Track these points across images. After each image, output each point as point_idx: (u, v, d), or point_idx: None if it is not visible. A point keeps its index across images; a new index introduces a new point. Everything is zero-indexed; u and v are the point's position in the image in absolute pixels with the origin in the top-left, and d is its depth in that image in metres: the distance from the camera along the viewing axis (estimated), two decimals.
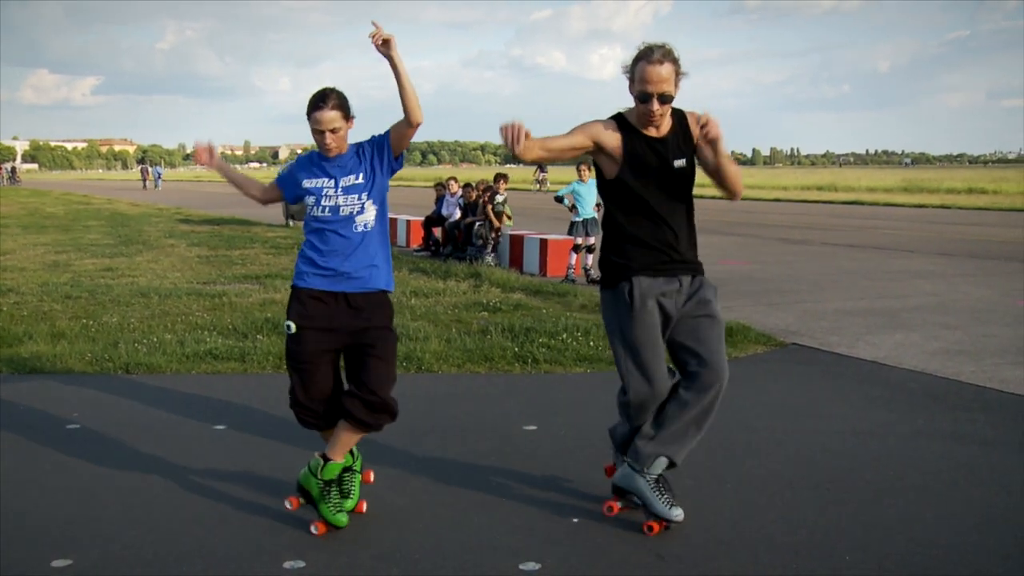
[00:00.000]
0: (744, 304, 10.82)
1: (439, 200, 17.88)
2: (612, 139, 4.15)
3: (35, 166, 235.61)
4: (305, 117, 4.20)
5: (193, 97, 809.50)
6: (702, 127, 3.99)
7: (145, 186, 67.55)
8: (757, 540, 4.14)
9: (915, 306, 10.81)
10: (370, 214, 4.27)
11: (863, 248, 18.53)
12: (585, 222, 13.26)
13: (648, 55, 4.02)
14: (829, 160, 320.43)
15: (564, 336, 8.31)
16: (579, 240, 13.34)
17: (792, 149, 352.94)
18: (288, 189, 4.45)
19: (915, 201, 38.99)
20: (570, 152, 4.21)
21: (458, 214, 16.65)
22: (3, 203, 39.65)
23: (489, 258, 15.29)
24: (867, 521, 4.34)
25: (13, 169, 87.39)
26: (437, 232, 17.51)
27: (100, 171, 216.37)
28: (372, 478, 4.65)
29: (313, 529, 4.21)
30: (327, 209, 4.24)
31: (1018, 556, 4.00)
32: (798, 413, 6.26)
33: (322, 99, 4.15)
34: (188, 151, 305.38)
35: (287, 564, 3.87)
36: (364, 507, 4.44)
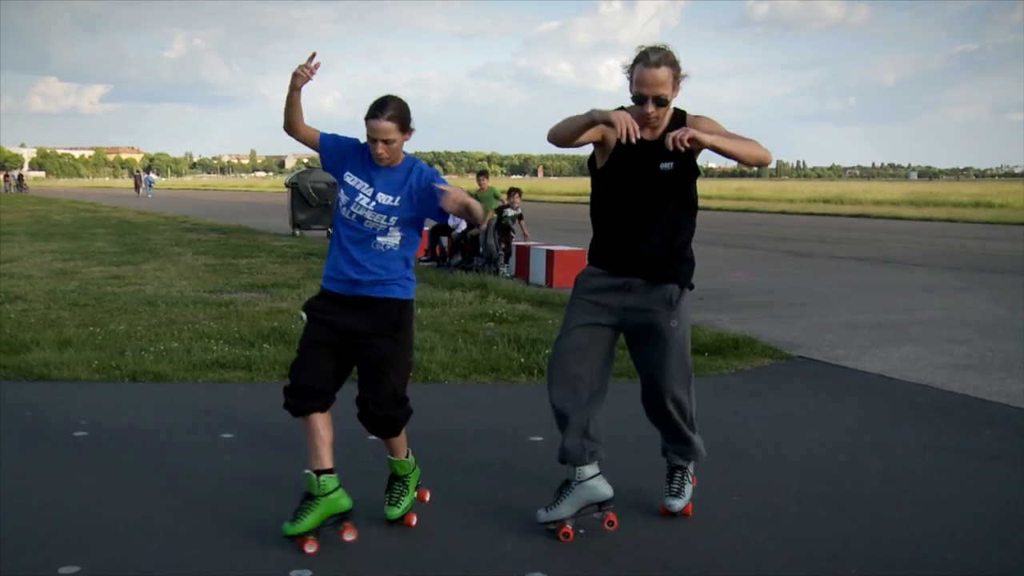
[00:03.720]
0: (750, 317, 10.81)
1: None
2: (611, 135, 4.19)
3: (42, 174, 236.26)
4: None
5: (200, 105, 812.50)
6: (674, 148, 3.91)
7: (139, 193, 71.07)
8: (762, 552, 4.13)
9: (922, 320, 10.80)
10: (393, 238, 4.19)
11: (870, 261, 18.51)
12: None
13: (645, 58, 4.06)
14: (835, 173, 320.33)
15: None
16: None
17: (798, 162, 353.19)
18: (330, 158, 4.30)
19: (922, 215, 38.98)
20: (585, 141, 4.24)
21: (464, 225, 16.66)
22: (10, 210, 39.76)
23: (504, 269, 15.28)
24: (873, 534, 4.33)
25: (20, 177, 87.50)
26: (445, 242, 17.51)
27: (107, 179, 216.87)
28: (427, 498, 4.66)
29: (348, 536, 4.22)
30: (354, 216, 4.19)
31: None
32: (804, 426, 6.25)
33: (380, 108, 4.07)
34: (195, 159, 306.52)
35: (293, 573, 3.87)
36: (414, 520, 4.42)
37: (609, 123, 3.99)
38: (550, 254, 14.49)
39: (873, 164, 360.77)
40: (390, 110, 4.08)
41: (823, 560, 4.05)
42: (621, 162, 4.22)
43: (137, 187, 73.88)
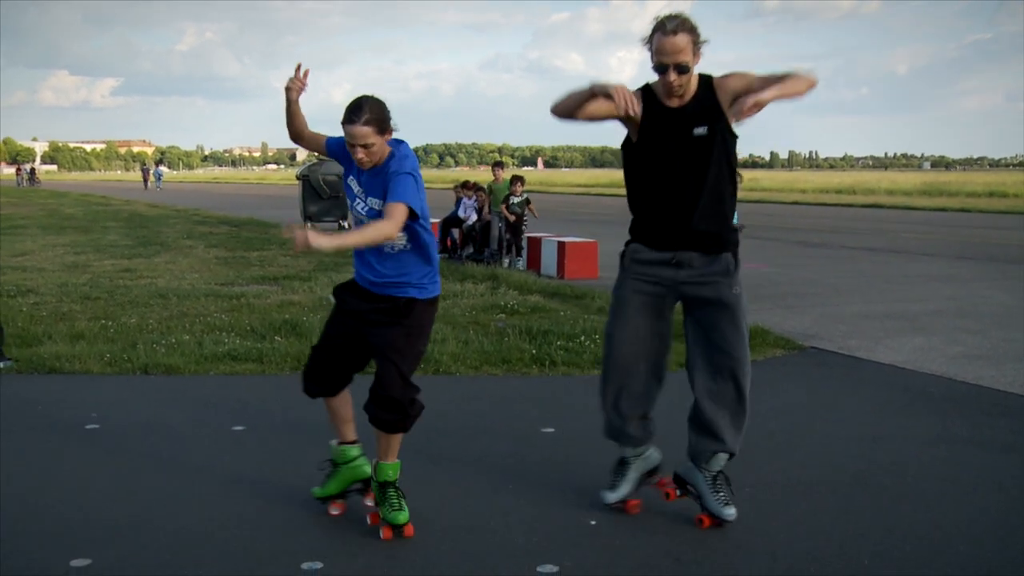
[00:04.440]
0: (762, 307, 10.77)
1: (458, 202, 17.89)
2: (637, 109, 4.16)
3: (54, 167, 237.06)
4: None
5: (211, 98, 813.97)
6: (738, 111, 3.97)
7: (146, 186, 69.58)
8: (775, 544, 4.12)
9: (935, 310, 10.74)
10: (397, 240, 4.09)
11: (882, 252, 18.44)
12: None
13: (663, 27, 4.03)
14: (848, 163, 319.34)
15: (582, 338, 8.30)
16: None
17: (811, 152, 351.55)
18: (340, 161, 4.27)
19: (935, 204, 38.81)
20: (604, 118, 4.22)
21: (474, 217, 16.67)
22: (23, 204, 39.92)
23: (519, 263, 15.26)
24: (885, 526, 4.31)
25: (32, 170, 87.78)
26: (456, 234, 17.50)
27: (119, 172, 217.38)
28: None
29: (369, 502, 4.40)
30: (358, 221, 4.17)
31: None
32: (816, 417, 6.23)
33: (355, 112, 3.94)
34: (206, 152, 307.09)
35: (304, 565, 3.88)
36: (411, 531, 4.22)
37: (607, 95, 3.99)
38: (561, 246, 14.47)
39: (886, 154, 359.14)
40: (365, 113, 3.93)
41: (835, 552, 4.04)
42: (653, 134, 4.18)
43: (145, 180, 72.38)
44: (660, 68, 4.06)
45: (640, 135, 4.22)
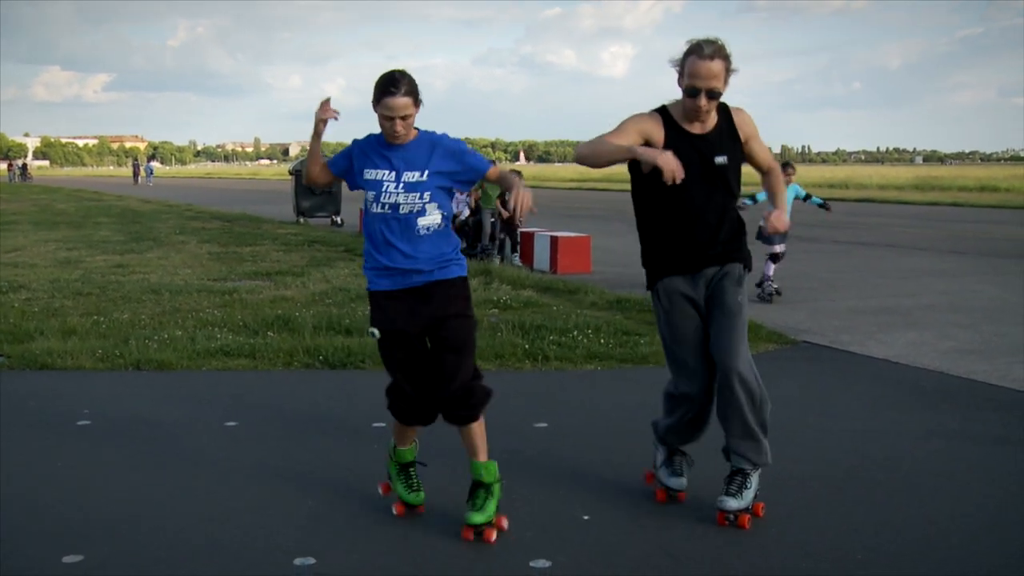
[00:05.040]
0: (754, 302, 10.78)
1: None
2: (657, 134, 4.16)
3: (46, 163, 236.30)
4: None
5: (204, 94, 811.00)
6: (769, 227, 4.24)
7: (136, 181, 69.33)
8: (768, 539, 4.12)
9: (927, 304, 10.76)
10: (433, 217, 4.08)
11: (875, 246, 18.47)
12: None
13: (699, 50, 4.02)
14: (840, 158, 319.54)
15: (575, 333, 8.30)
16: (778, 248, 11.53)
17: (803, 147, 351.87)
18: (347, 174, 4.23)
19: (927, 199, 38.84)
20: (618, 160, 4.20)
21: (467, 212, 16.66)
22: (14, 200, 39.80)
23: (515, 259, 15.25)
24: (878, 521, 4.32)
25: (24, 166, 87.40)
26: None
27: (111, 167, 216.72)
28: (505, 526, 4.25)
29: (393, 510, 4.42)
30: (387, 206, 4.06)
31: None
32: (809, 412, 6.23)
33: (393, 83, 3.94)
34: (199, 148, 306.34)
35: (297, 561, 3.87)
36: (505, 523, 4.24)
37: (657, 168, 3.91)
38: (554, 240, 14.48)
39: (878, 149, 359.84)
40: (404, 85, 3.95)
41: (827, 547, 4.04)
42: (678, 158, 4.06)
43: (135, 176, 72.05)
44: (692, 91, 4.04)
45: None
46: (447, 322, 4.11)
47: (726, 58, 4.04)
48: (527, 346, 7.88)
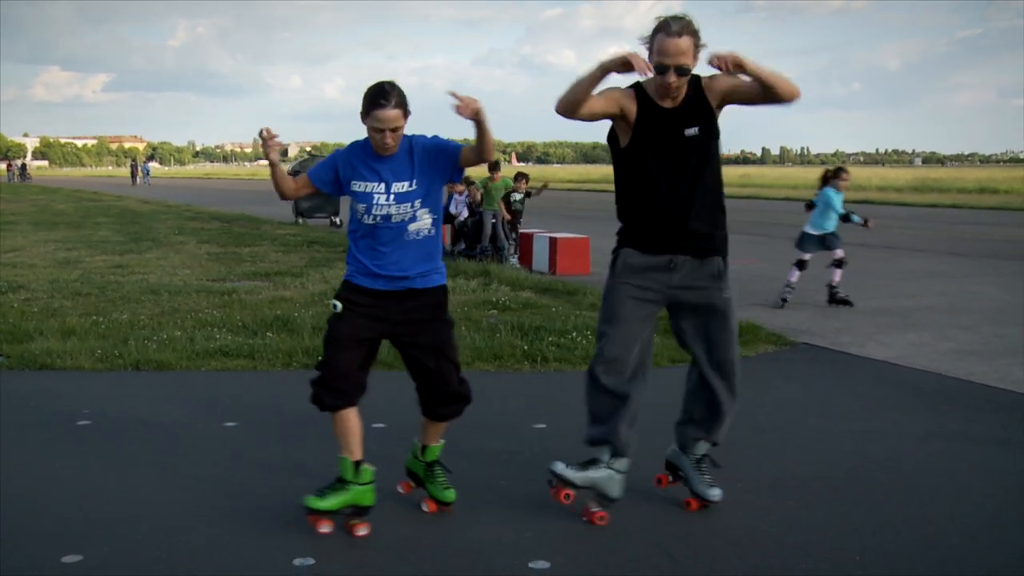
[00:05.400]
0: (754, 303, 10.78)
1: (449, 198, 17.89)
2: (630, 108, 4.17)
3: (45, 163, 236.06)
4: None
5: (203, 94, 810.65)
6: (719, 67, 3.96)
7: (135, 182, 68.66)
8: (767, 540, 4.13)
9: (927, 306, 10.77)
10: (424, 222, 4.15)
11: (874, 248, 18.46)
12: (823, 236, 11.04)
13: (667, 27, 4.02)
14: (839, 159, 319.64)
15: (574, 335, 8.30)
16: (807, 255, 11.11)
17: (802, 148, 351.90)
18: (329, 188, 4.24)
19: (926, 201, 38.86)
20: (601, 116, 4.20)
21: (466, 212, 16.66)
22: (14, 200, 39.76)
23: (513, 259, 15.26)
24: (877, 522, 4.32)
25: (23, 166, 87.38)
26: (448, 230, 17.49)
27: (110, 168, 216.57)
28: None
29: (424, 507, 4.45)
30: (378, 218, 4.10)
31: None
32: (808, 413, 6.24)
33: (384, 95, 3.96)
34: (198, 148, 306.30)
35: (297, 561, 3.87)
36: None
37: (626, 63, 3.92)
38: (553, 241, 14.48)
39: (877, 150, 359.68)
40: (394, 97, 3.96)
41: (827, 548, 4.04)
42: (646, 134, 4.17)
43: (133, 176, 71.43)
44: (660, 68, 4.04)
45: (633, 136, 4.21)
46: (423, 325, 4.20)
47: (694, 34, 4.04)
48: (526, 347, 7.88)
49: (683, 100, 4.16)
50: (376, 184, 4.10)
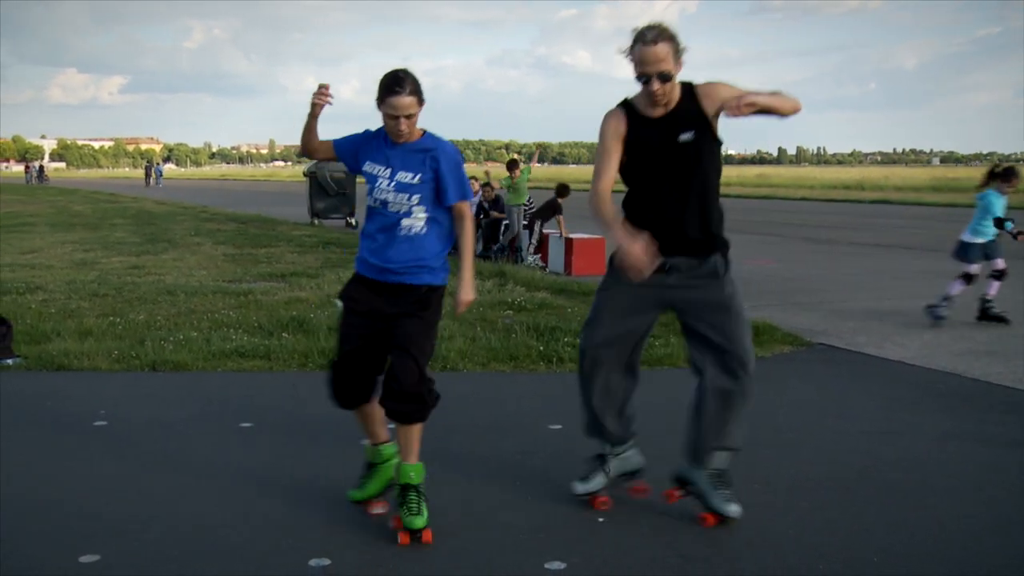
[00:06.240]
0: (770, 304, 10.76)
1: None
2: (622, 130, 4.24)
3: (63, 165, 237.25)
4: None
5: (218, 95, 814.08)
6: (735, 115, 4.00)
7: (148, 183, 68.95)
8: (782, 541, 4.12)
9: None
10: (417, 220, 4.16)
11: (891, 248, 18.41)
12: (985, 244, 10.14)
13: (642, 37, 4.06)
14: (856, 159, 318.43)
15: None
16: (974, 268, 10.15)
17: (819, 148, 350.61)
18: (349, 159, 4.33)
19: (944, 200, 38.65)
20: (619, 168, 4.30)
21: (480, 213, 16.69)
22: (32, 201, 40.00)
23: (531, 259, 15.25)
24: (892, 522, 4.30)
25: (41, 168, 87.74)
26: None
27: (126, 169, 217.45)
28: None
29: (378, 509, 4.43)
30: (378, 201, 4.18)
31: None
32: (824, 413, 6.22)
33: (398, 82, 4.00)
34: (214, 149, 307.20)
35: (312, 561, 3.89)
36: (430, 537, 4.12)
37: (622, 265, 4.10)
38: (569, 242, 14.47)
39: (895, 150, 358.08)
40: (408, 84, 4.01)
41: (841, 549, 4.03)
42: (640, 145, 4.22)
43: (147, 177, 71.70)
44: (643, 78, 4.08)
45: (627, 150, 4.25)
46: (398, 319, 4.18)
47: (670, 39, 4.05)
48: (542, 348, 7.88)
49: (676, 107, 4.19)
50: (383, 168, 4.17)
